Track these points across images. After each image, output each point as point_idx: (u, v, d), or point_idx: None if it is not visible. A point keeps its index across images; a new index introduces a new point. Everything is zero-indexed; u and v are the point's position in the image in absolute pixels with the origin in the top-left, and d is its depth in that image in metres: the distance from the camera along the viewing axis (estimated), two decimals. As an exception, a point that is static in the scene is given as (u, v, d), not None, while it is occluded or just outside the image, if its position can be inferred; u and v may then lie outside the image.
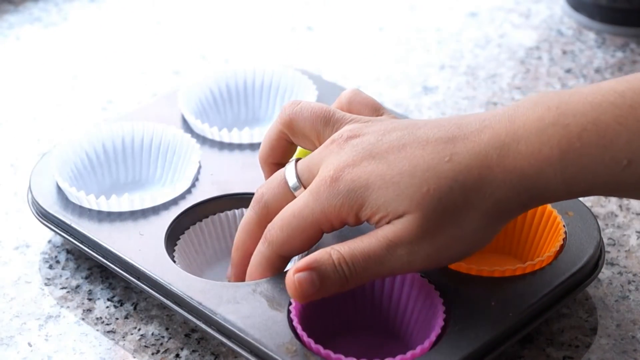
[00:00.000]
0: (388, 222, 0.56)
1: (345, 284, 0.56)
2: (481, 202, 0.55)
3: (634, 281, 0.66)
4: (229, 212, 0.68)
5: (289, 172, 0.60)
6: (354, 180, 0.56)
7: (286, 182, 0.60)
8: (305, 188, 0.59)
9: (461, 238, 0.56)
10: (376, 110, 0.63)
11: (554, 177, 0.54)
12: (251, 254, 0.61)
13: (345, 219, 0.57)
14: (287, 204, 0.59)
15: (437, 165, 0.55)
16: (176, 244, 0.65)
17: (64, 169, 0.69)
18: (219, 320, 0.58)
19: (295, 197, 0.59)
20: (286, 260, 0.60)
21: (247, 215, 0.61)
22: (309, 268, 0.56)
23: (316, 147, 0.61)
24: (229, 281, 0.64)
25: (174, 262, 0.63)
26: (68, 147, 0.70)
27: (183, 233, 0.66)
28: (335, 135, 0.59)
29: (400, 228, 0.55)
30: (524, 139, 0.54)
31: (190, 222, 0.67)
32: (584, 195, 0.56)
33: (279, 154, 0.64)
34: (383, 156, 0.56)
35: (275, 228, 0.59)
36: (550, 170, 0.54)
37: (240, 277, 0.62)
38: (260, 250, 0.60)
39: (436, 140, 0.56)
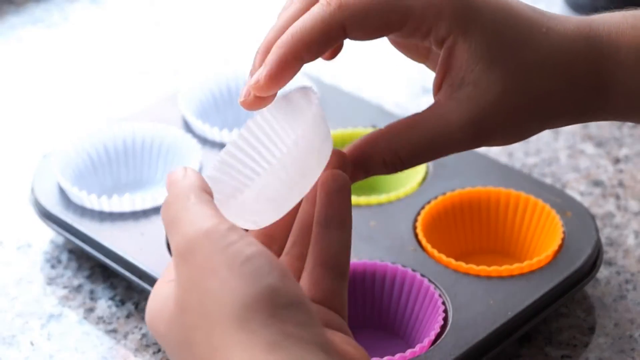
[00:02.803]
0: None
1: None
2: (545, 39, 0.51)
3: (631, 281, 0.66)
4: None
5: None
6: None
7: None
8: None
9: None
10: None
11: (628, 44, 0.51)
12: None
13: None
14: None
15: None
16: None
17: (66, 169, 0.69)
18: (220, 320, 0.59)
19: None
20: (342, 36, 0.49)
21: None
22: None
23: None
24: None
25: None
26: (70, 147, 0.71)
27: None
28: None
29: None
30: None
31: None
32: None
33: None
34: None
35: None
36: (628, 29, 0.51)
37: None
38: (320, 13, 0.49)
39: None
